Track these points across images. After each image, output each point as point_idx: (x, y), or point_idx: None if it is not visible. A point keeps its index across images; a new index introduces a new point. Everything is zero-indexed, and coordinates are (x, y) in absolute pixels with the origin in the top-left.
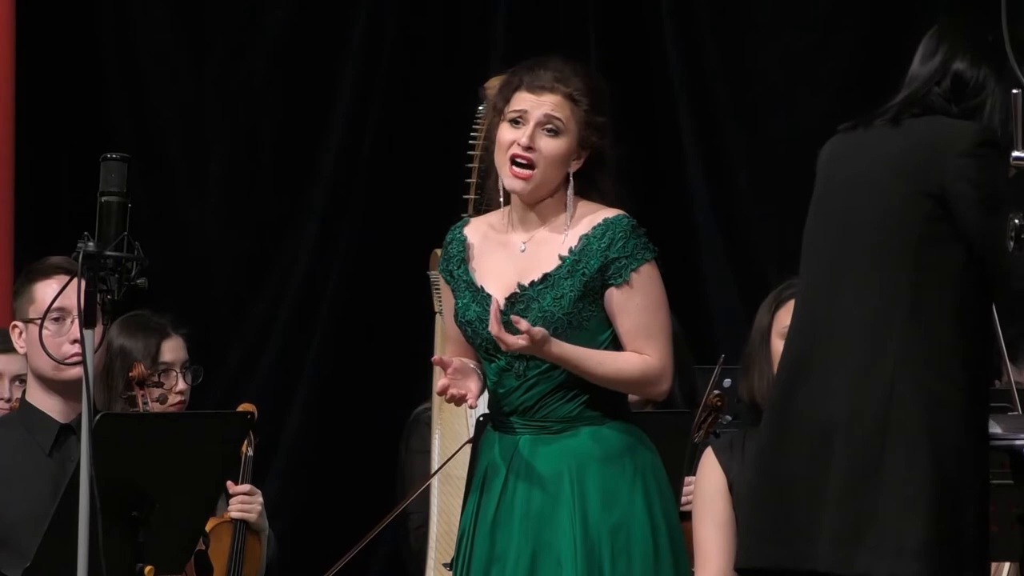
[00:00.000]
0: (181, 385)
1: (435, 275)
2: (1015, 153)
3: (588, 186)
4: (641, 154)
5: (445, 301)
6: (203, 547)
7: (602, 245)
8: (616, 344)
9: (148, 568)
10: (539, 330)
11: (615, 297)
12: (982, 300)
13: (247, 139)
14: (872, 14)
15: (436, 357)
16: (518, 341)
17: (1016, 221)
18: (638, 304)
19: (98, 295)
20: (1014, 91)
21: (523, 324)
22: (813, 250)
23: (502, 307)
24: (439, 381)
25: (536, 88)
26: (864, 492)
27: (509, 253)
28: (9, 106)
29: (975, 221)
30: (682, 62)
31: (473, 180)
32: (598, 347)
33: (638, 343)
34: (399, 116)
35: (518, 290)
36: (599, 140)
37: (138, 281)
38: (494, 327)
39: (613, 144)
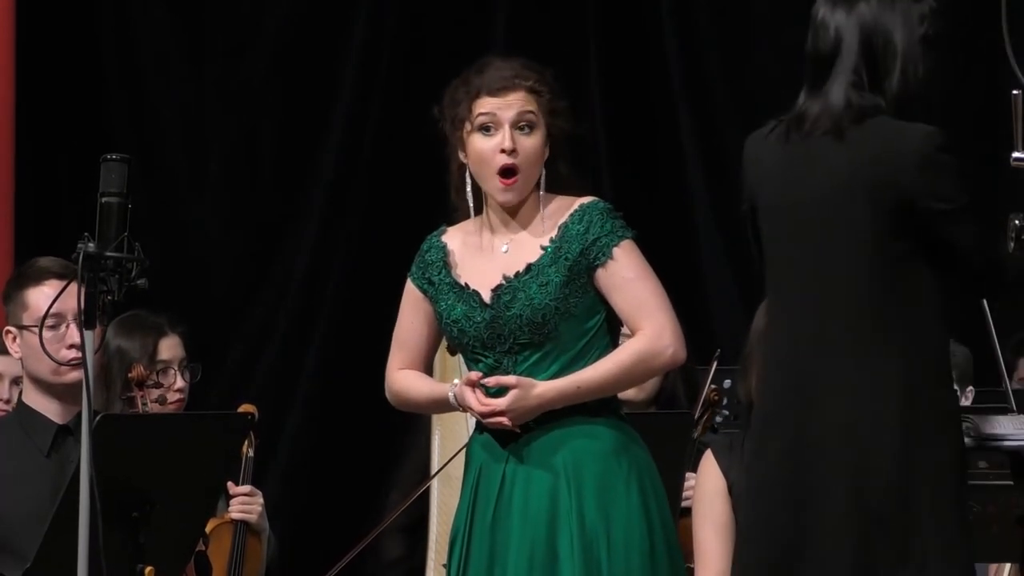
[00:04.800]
0: (180, 383)
1: None
2: (1015, 154)
3: (553, 175)
4: (640, 154)
5: (405, 310)
6: (203, 548)
7: (580, 229)
8: (605, 331)
9: (148, 569)
10: (510, 378)
11: (602, 278)
12: (948, 310)
13: (247, 139)
14: None
15: (476, 374)
16: (499, 405)
17: (1016, 222)
18: (624, 277)
19: (98, 296)
20: (1014, 92)
21: (491, 380)
22: (782, 280)
23: (488, 301)
24: (471, 403)
25: (497, 91)
26: (894, 526)
27: (492, 255)
28: (9, 107)
29: (954, 233)
30: (682, 61)
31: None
32: (587, 334)
33: (634, 319)
34: (399, 116)
35: (503, 281)
36: (564, 125)
37: (138, 282)
38: (486, 403)
39: (573, 128)
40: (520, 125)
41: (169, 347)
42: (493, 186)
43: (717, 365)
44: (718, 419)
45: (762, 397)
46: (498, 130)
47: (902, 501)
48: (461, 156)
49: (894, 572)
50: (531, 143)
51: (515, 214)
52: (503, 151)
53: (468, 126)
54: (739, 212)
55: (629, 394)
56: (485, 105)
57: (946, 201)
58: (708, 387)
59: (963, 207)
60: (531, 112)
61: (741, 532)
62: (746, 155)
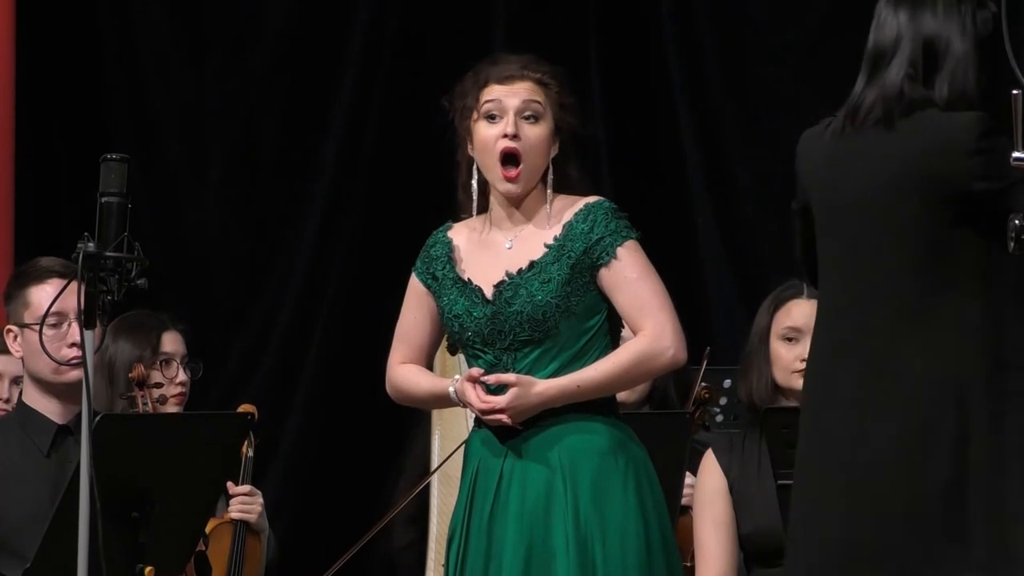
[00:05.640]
0: (182, 376)
1: None
2: (1015, 154)
3: (561, 176)
4: (641, 155)
5: (408, 305)
6: (203, 548)
7: (585, 228)
8: (605, 331)
9: (148, 569)
10: (510, 376)
11: (605, 277)
12: (1006, 301)
13: (247, 139)
14: (872, 14)
15: (477, 371)
16: (499, 403)
17: (1016, 221)
18: (627, 277)
19: (98, 295)
20: (1014, 92)
21: (491, 378)
22: (831, 274)
23: (490, 297)
24: (471, 399)
25: (505, 79)
26: (942, 524)
27: (496, 251)
28: (9, 106)
29: (1010, 204)
30: (682, 62)
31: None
32: (587, 333)
33: (636, 319)
34: (399, 116)
35: (506, 278)
36: (573, 121)
37: (138, 282)
38: (486, 400)
39: (582, 125)
40: (526, 114)
41: (172, 340)
42: (496, 176)
43: (707, 364)
44: (719, 418)
45: (806, 393)
46: (503, 118)
47: (953, 500)
48: (468, 148)
49: (942, 569)
50: (536, 132)
51: (520, 210)
52: (505, 135)
53: (475, 115)
54: (789, 208)
55: (621, 396)
56: (492, 93)
57: (999, 179)
58: (699, 385)
59: (1017, 181)
60: (537, 102)
61: (788, 533)
62: (799, 152)
